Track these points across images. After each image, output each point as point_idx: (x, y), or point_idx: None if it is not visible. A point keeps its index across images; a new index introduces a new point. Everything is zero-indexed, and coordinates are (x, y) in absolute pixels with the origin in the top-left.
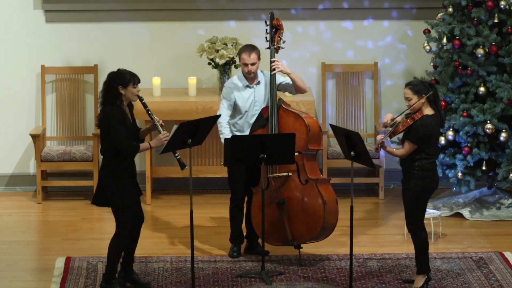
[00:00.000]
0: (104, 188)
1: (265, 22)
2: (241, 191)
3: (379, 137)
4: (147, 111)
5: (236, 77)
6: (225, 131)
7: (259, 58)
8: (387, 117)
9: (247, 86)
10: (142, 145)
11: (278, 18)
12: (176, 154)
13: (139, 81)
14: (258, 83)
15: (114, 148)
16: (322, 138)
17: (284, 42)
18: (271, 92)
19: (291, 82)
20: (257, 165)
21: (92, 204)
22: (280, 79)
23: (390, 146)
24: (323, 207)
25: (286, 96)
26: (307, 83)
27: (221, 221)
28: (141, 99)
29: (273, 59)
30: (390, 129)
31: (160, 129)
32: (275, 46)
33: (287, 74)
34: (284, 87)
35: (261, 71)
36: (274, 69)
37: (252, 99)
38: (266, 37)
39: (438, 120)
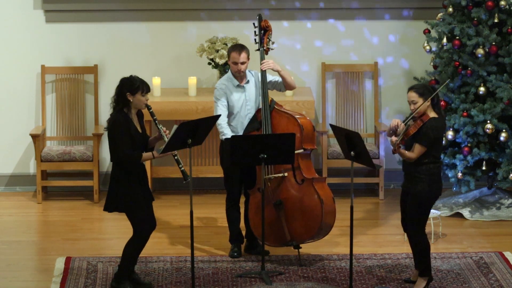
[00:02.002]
0: (115, 194)
1: (253, 24)
2: (236, 191)
3: (394, 138)
4: (154, 120)
5: (225, 78)
6: (226, 132)
7: (248, 58)
8: (395, 121)
9: (238, 85)
10: (144, 155)
11: (267, 19)
12: (180, 166)
13: (148, 90)
14: (248, 82)
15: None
16: (315, 138)
17: (273, 43)
18: (262, 91)
19: (279, 80)
20: (257, 165)
21: (104, 211)
22: (269, 77)
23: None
24: (321, 206)
25: (286, 96)
26: (307, 83)
27: (221, 221)
28: (149, 107)
29: (263, 61)
30: (402, 130)
31: (165, 139)
32: (264, 48)
33: (277, 71)
34: (273, 85)
35: (249, 71)
36: (266, 66)
37: (244, 98)
38: (255, 39)
39: (444, 123)
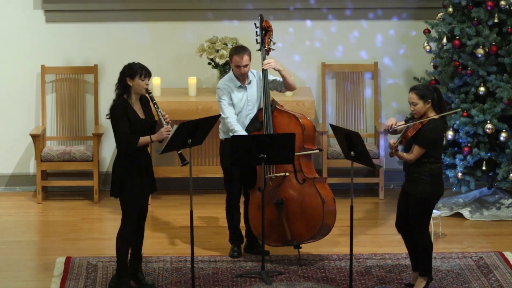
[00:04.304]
0: (115, 180)
1: (255, 24)
2: (236, 191)
3: (392, 141)
4: (154, 104)
5: (227, 78)
6: (237, 128)
7: (250, 59)
8: (391, 121)
9: (240, 86)
10: (142, 138)
11: (268, 20)
12: (178, 150)
13: (149, 75)
14: (250, 82)
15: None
16: (316, 138)
17: (274, 43)
18: (264, 90)
19: (280, 80)
20: (257, 165)
21: (111, 196)
22: (270, 77)
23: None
24: (322, 205)
25: (286, 96)
26: (307, 83)
27: (221, 221)
28: (148, 92)
29: (264, 61)
30: (401, 131)
31: (164, 122)
32: (266, 48)
33: (279, 71)
34: (273, 85)
35: (250, 71)
36: (267, 64)
37: (245, 99)
38: (256, 39)
39: (444, 124)
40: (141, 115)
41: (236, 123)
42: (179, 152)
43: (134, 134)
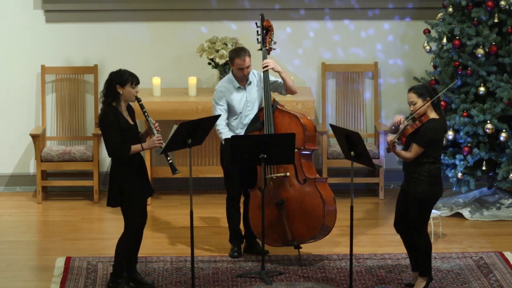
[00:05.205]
0: (114, 189)
1: (256, 24)
2: (236, 191)
3: (390, 137)
4: (144, 112)
5: (226, 80)
6: (224, 131)
7: (250, 59)
8: (398, 117)
9: (239, 87)
10: (133, 147)
11: (268, 19)
12: (168, 158)
13: (138, 82)
14: (250, 83)
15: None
16: (317, 138)
17: (275, 43)
18: (265, 90)
19: (281, 82)
20: (257, 165)
21: (107, 206)
22: (270, 78)
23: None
24: (323, 205)
25: (286, 96)
26: (307, 83)
27: (221, 221)
28: (138, 100)
29: (263, 62)
30: (400, 129)
31: (154, 131)
32: (267, 48)
33: (278, 72)
34: (274, 87)
35: (252, 71)
36: (267, 66)
37: (245, 100)
38: (257, 39)
39: (444, 125)
40: (131, 121)
41: (224, 126)
42: (169, 161)
43: (125, 141)
